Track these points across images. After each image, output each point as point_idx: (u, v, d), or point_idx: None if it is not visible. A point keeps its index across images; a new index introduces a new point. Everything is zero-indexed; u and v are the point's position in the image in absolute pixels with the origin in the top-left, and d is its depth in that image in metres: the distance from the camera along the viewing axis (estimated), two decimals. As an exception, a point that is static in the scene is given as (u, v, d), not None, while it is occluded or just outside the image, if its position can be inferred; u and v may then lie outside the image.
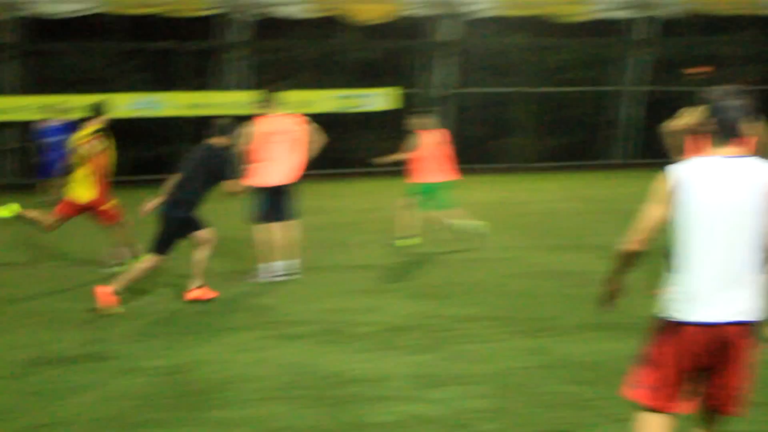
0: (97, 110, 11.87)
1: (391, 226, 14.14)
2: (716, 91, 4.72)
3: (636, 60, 27.15)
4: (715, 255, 4.56)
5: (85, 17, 23.13)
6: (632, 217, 4.93)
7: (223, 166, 10.09)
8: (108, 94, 18.43)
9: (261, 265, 11.37)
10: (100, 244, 12.25)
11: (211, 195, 10.22)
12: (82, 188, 11.58)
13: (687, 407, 4.78)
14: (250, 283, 11.17)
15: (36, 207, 12.17)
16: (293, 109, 12.41)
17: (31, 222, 11.93)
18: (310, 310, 9.77)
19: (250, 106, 12.17)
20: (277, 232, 11.38)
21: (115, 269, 11.21)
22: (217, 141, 10.26)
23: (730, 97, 4.67)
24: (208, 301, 10.11)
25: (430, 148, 13.63)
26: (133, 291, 10.01)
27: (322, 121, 12.83)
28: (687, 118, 8.58)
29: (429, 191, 13.61)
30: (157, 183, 10.82)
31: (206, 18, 24.36)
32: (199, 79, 25.35)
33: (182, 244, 10.20)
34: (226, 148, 10.28)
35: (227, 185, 10.12)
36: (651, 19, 26.40)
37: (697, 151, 5.18)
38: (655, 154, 11.37)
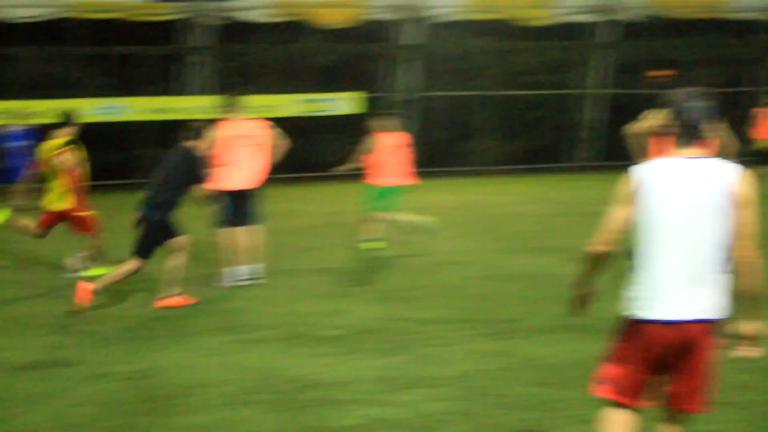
0: (67, 118, 11.76)
1: (355, 229, 14.14)
2: (680, 93, 4.78)
3: (599, 63, 27.34)
4: (677, 254, 4.60)
5: (47, 21, 22.96)
6: (597, 219, 4.96)
7: (198, 169, 10.08)
8: (71, 99, 18.31)
9: (225, 270, 11.31)
10: (69, 249, 12.14)
11: (185, 199, 10.19)
12: (58, 197, 11.54)
13: (651, 403, 4.83)
14: (214, 287, 11.12)
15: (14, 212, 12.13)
16: (257, 114, 12.38)
17: (20, 229, 11.89)
18: (275, 314, 9.74)
19: (214, 110, 12.13)
20: (241, 236, 11.33)
21: (80, 274, 11.14)
22: (192, 144, 10.24)
23: (694, 99, 4.72)
24: (178, 306, 10.05)
25: (388, 151, 13.61)
26: (98, 295, 9.91)
27: (286, 125, 12.75)
28: (650, 120, 8.66)
29: (385, 194, 13.60)
30: (121, 188, 10.74)
31: (169, 22, 24.27)
32: (163, 83, 25.21)
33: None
34: (201, 151, 10.25)
35: (196, 189, 10.09)
36: (613, 23, 26.61)
37: (661, 152, 5.23)
38: (618, 156, 11.44)
